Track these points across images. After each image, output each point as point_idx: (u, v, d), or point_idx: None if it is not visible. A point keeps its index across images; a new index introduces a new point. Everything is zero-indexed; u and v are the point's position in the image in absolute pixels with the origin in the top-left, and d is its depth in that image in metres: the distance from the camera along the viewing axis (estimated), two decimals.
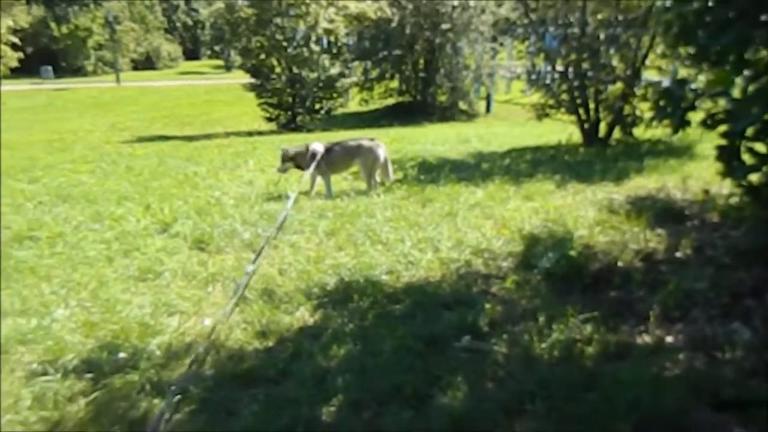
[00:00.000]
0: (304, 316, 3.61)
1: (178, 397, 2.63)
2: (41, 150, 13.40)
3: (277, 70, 19.41)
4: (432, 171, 7.77)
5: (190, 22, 62.91)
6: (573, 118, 9.81)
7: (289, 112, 19.44)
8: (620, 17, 9.02)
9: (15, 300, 3.89)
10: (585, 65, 9.49)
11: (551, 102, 10.40)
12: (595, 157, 8.24)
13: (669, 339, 3.12)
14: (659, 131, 7.22)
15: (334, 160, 6.88)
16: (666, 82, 3.35)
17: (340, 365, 3.01)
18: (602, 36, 9.27)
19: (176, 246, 4.92)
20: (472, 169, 7.87)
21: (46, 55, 45.07)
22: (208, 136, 15.79)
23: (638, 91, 9.02)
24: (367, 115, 21.37)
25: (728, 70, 3.07)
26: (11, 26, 16.31)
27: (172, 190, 7.29)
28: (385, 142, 7.36)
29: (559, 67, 9.96)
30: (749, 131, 3.16)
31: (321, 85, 19.34)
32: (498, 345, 3.12)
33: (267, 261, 4.38)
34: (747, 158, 3.28)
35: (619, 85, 9.29)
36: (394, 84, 22.12)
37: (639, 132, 9.24)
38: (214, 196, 6.75)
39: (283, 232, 5.02)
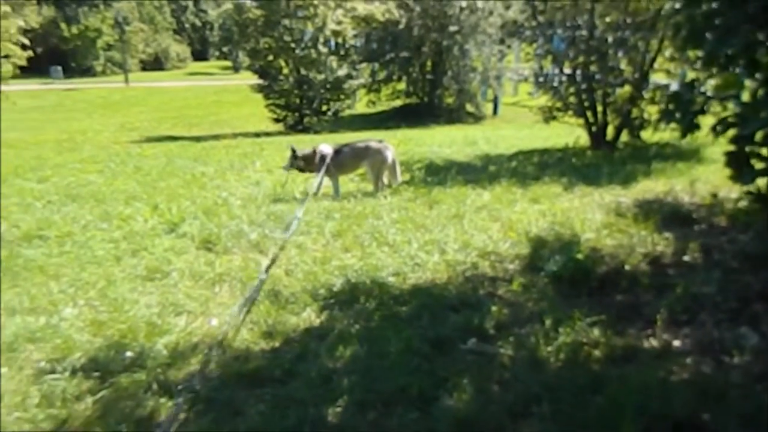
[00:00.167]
0: (310, 316, 3.61)
1: (187, 396, 2.64)
2: (50, 150, 13.48)
3: (285, 71, 19.48)
4: (439, 173, 7.77)
5: (198, 23, 63.20)
6: (580, 120, 9.79)
7: (297, 114, 19.50)
8: (629, 20, 9.00)
9: (24, 298, 3.91)
10: (593, 68, 9.47)
11: (559, 105, 10.38)
12: (603, 160, 8.22)
13: (676, 343, 3.10)
14: (667, 134, 7.20)
15: (342, 161, 6.90)
16: (674, 86, 3.34)
17: (346, 366, 3.02)
18: (610, 39, 9.25)
19: (184, 246, 4.93)
20: (479, 172, 7.87)
21: (55, 55, 45.40)
22: (215, 137, 15.84)
23: (646, 95, 9.01)
24: (374, 117, 21.39)
25: (738, 73, 3.06)
26: (22, 26, 16.37)
27: (180, 191, 7.31)
28: (392, 143, 7.37)
29: (567, 70, 9.95)
30: (758, 135, 3.15)
31: (328, 86, 19.39)
32: (504, 347, 3.12)
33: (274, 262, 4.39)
34: (755, 163, 3.27)
35: (627, 88, 9.27)
36: (402, 86, 22.13)
37: (647, 135, 9.22)
38: (221, 196, 6.77)
39: (291, 235, 5.03)
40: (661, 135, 8.53)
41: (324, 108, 19.74)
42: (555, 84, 10.45)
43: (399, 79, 22.02)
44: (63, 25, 48.25)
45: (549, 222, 5.08)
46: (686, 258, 4.14)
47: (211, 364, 3.06)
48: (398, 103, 22.24)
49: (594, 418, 2.48)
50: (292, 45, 18.85)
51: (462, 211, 5.59)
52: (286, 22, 18.78)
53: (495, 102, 21.75)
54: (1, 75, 16.28)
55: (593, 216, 5.19)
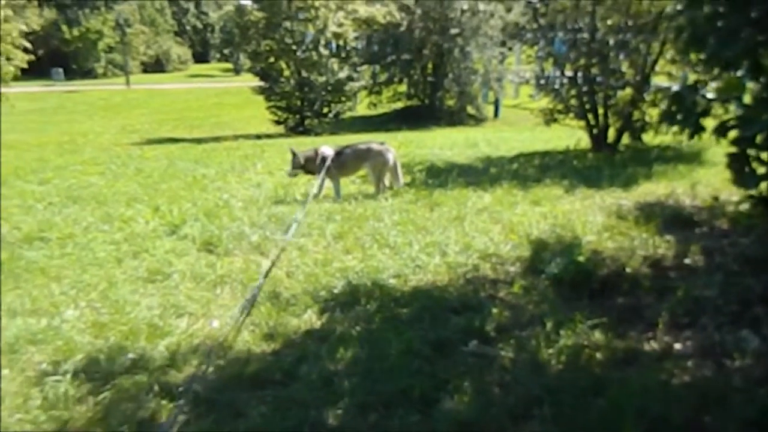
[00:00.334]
0: (311, 318, 3.61)
1: (188, 398, 2.64)
2: (52, 151, 13.49)
3: (286, 73, 19.50)
4: (440, 175, 7.77)
5: (199, 26, 63.23)
6: (582, 123, 9.79)
7: (298, 116, 19.52)
8: (630, 23, 9.00)
9: (25, 300, 3.91)
10: (594, 70, 9.47)
11: (560, 107, 10.38)
12: (604, 163, 8.22)
13: (677, 346, 3.10)
14: (668, 137, 7.20)
15: (343, 163, 6.90)
16: (676, 88, 3.34)
17: (347, 368, 3.02)
18: (612, 41, 9.25)
19: (185, 248, 4.93)
20: (480, 174, 7.87)
21: (57, 58, 45.42)
22: (216, 139, 15.84)
23: (647, 97, 9.01)
24: (375, 119, 21.42)
25: (740, 76, 3.06)
26: (23, 30, 16.39)
27: (181, 192, 7.32)
28: (394, 146, 7.37)
29: (568, 72, 9.95)
30: (758, 138, 3.15)
31: (329, 88, 19.41)
32: (505, 350, 3.12)
33: (275, 264, 4.39)
34: (757, 167, 3.27)
35: (628, 90, 9.28)
36: (403, 88, 22.17)
37: (648, 138, 9.22)
38: (222, 198, 6.77)
39: (292, 236, 5.03)
40: (662, 138, 8.54)
41: (325, 110, 19.76)
42: (556, 86, 10.45)
43: (400, 82, 22.06)
44: (64, 27, 48.29)
45: (550, 224, 5.08)
46: (687, 261, 4.13)
47: (213, 366, 3.06)
48: (399, 105, 22.27)
49: (595, 421, 2.48)
50: (293, 47, 18.87)
51: (463, 213, 5.59)
52: (287, 24, 18.81)
53: (496, 104, 21.77)
54: (1, 77, 16.31)
55: (594, 218, 5.19)
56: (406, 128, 17.21)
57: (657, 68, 8.99)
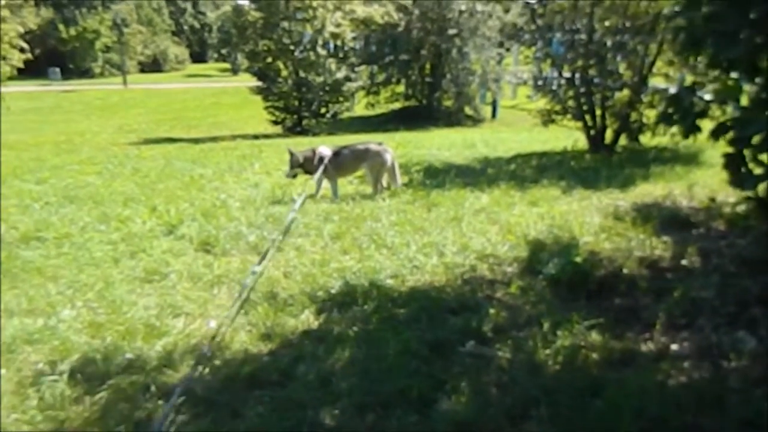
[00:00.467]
0: (308, 319, 3.61)
1: (183, 398, 2.64)
2: (49, 151, 13.47)
3: (284, 73, 19.50)
4: (437, 176, 7.78)
5: (197, 25, 63.19)
6: (579, 124, 9.81)
7: (296, 116, 19.52)
8: (628, 24, 9.02)
9: (22, 300, 3.90)
10: (592, 71, 9.49)
11: (557, 108, 10.40)
12: (601, 164, 8.23)
13: (674, 347, 3.11)
14: (665, 138, 7.22)
15: (341, 163, 6.90)
16: (673, 89, 3.34)
17: (345, 368, 3.02)
18: (609, 42, 9.27)
19: (182, 248, 4.93)
20: (477, 174, 7.88)
21: (53, 57, 45.37)
22: (214, 139, 15.84)
23: (645, 98, 9.03)
24: (373, 120, 21.42)
25: (737, 78, 3.06)
26: (21, 31, 16.38)
27: (178, 192, 7.31)
28: (391, 146, 7.37)
29: (566, 73, 9.96)
30: (755, 139, 3.15)
31: (327, 88, 19.41)
32: (502, 350, 3.12)
33: (272, 264, 4.39)
34: (754, 168, 3.28)
35: (625, 91, 9.30)
36: (401, 88, 22.18)
37: (645, 139, 9.24)
38: (220, 198, 6.77)
39: (289, 235, 5.03)
40: (659, 139, 8.56)
41: (323, 110, 19.76)
42: (554, 87, 10.47)
43: (398, 82, 22.08)
44: (61, 27, 48.22)
45: (547, 225, 5.09)
46: (684, 262, 4.14)
47: (210, 366, 3.05)
48: (397, 105, 22.28)
49: (592, 422, 2.49)
50: (291, 47, 18.87)
51: (460, 213, 5.60)
52: (285, 24, 18.81)
53: (494, 105, 21.80)
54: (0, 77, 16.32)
55: (592, 219, 5.20)
56: (404, 129, 17.23)
57: (654, 70, 9.02)
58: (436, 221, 5.42)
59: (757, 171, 3.22)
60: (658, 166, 7.62)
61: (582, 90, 9.57)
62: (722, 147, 3.34)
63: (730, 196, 5.12)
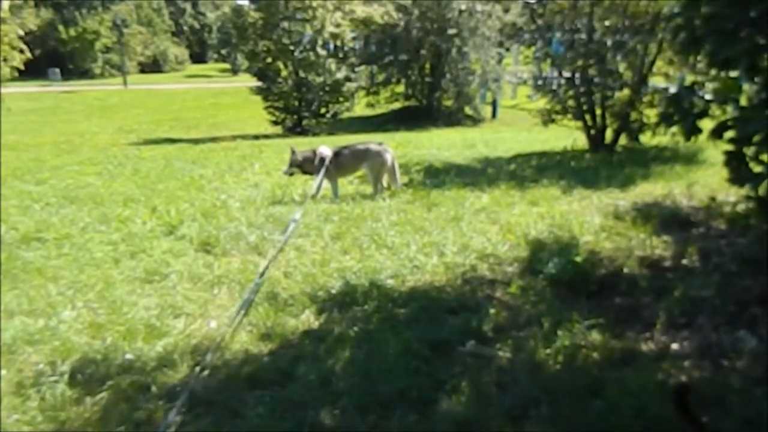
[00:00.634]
0: (309, 319, 3.61)
1: (185, 399, 2.63)
2: (49, 152, 13.47)
3: (284, 73, 19.51)
4: (438, 175, 7.78)
5: (197, 26, 63.19)
6: (579, 123, 9.81)
7: (295, 116, 19.52)
8: (627, 23, 9.02)
9: (22, 300, 3.90)
10: (592, 71, 9.49)
11: (557, 108, 10.40)
12: (601, 163, 8.23)
13: (675, 346, 3.11)
14: (665, 138, 7.22)
15: (342, 163, 6.90)
16: (673, 89, 3.34)
17: (345, 368, 3.02)
18: (609, 42, 9.27)
19: (182, 248, 4.93)
20: (477, 174, 7.88)
21: (53, 58, 45.38)
22: (214, 139, 15.84)
23: (645, 98, 9.03)
24: (373, 120, 21.42)
25: (736, 77, 3.06)
26: (21, 34, 16.38)
27: (179, 193, 7.31)
28: (391, 146, 7.37)
29: (566, 73, 9.96)
30: (756, 138, 3.15)
31: (327, 89, 19.42)
32: (503, 350, 3.12)
33: (272, 264, 4.39)
34: (754, 166, 3.28)
35: (625, 91, 9.30)
36: (400, 88, 22.18)
37: (645, 138, 9.24)
38: (220, 198, 6.77)
39: (290, 236, 5.03)
40: (659, 138, 8.54)
41: (323, 110, 19.77)
42: (554, 87, 10.46)
43: (398, 82, 22.07)
44: (61, 28, 48.23)
45: (547, 225, 5.09)
46: (685, 261, 4.14)
47: (210, 367, 3.05)
48: (397, 105, 22.27)
49: (593, 421, 2.49)
50: (291, 47, 18.88)
51: (460, 213, 5.60)
52: (285, 24, 18.81)
53: (494, 105, 21.80)
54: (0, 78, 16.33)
55: (592, 219, 5.20)
56: (404, 129, 17.23)
57: (654, 69, 9.02)
58: (436, 221, 5.42)
59: (758, 169, 3.22)
60: (658, 166, 7.62)
61: (582, 90, 9.57)
62: (722, 146, 3.35)
63: (730, 195, 5.12)
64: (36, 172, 9.55)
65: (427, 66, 21.44)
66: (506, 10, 18.09)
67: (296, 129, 19.10)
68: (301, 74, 19.18)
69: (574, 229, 4.88)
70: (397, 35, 20.89)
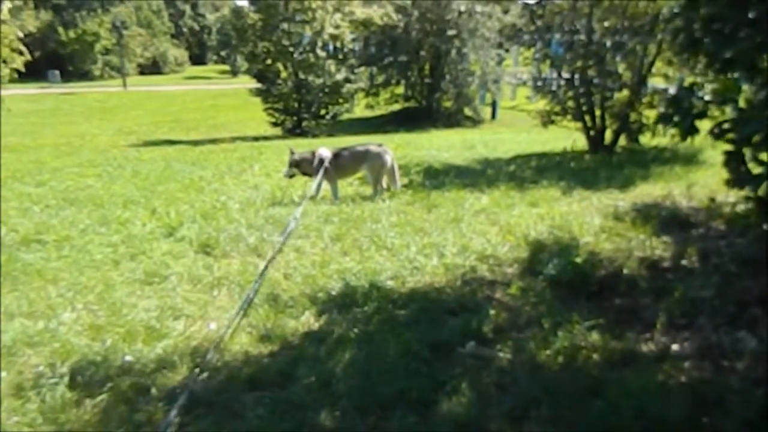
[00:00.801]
0: (309, 320, 3.61)
1: (184, 400, 2.63)
2: (48, 154, 13.48)
3: (283, 75, 19.52)
4: (437, 177, 7.78)
5: (196, 27, 63.24)
6: (579, 125, 9.82)
7: (295, 117, 19.53)
8: (627, 24, 9.03)
9: (22, 302, 3.90)
10: (591, 72, 9.50)
11: (557, 109, 10.41)
12: (601, 164, 8.24)
13: (675, 347, 3.11)
14: (665, 139, 7.23)
15: (342, 165, 6.90)
16: (673, 90, 3.34)
17: (345, 370, 3.01)
18: (609, 43, 9.28)
19: (182, 250, 4.93)
20: (477, 175, 7.88)
21: (53, 60, 45.41)
22: (213, 141, 15.85)
23: (644, 99, 9.03)
24: (372, 121, 21.43)
25: (736, 78, 3.07)
26: (21, 35, 16.37)
27: (178, 194, 7.31)
28: (391, 147, 7.38)
29: (565, 74, 9.97)
30: (755, 139, 3.15)
31: (327, 90, 19.43)
32: (503, 351, 3.12)
33: (272, 265, 4.39)
34: (753, 167, 3.28)
35: (625, 92, 9.30)
36: (400, 90, 22.20)
37: (645, 139, 9.25)
38: (219, 200, 6.77)
39: (289, 237, 5.03)
40: (659, 139, 8.56)
41: (322, 112, 19.78)
42: (553, 88, 10.48)
43: (397, 83, 22.10)
44: (61, 30, 48.25)
45: (547, 226, 5.09)
46: (684, 262, 4.14)
47: (210, 368, 3.05)
48: (396, 107, 22.29)
49: (593, 422, 2.49)
50: (291, 49, 18.89)
51: (460, 214, 5.60)
52: (285, 26, 18.82)
53: (493, 106, 21.81)
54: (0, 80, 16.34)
55: (591, 220, 5.20)
56: (404, 130, 17.24)
57: (654, 70, 9.03)
58: (436, 222, 5.42)
59: (757, 170, 3.22)
60: (658, 167, 7.63)
61: (581, 91, 9.58)
62: (722, 147, 3.35)
63: (729, 196, 5.11)
64: (36, 173, 9.55)
65: (427, 67, 21.46)
66: (506, 12, 18.15)
67: (296, 130, 19.11)
68: (301, 76, 19.19)
69: (573, 230, 4.88)
70: (397, 36, 20.91)
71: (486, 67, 20.79)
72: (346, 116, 21.22)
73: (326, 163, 6.70)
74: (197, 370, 2.99)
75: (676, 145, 8.22)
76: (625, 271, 4.02)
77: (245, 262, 4.62)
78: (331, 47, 19.89)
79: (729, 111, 3.17)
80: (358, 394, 2.75)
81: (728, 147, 3.29)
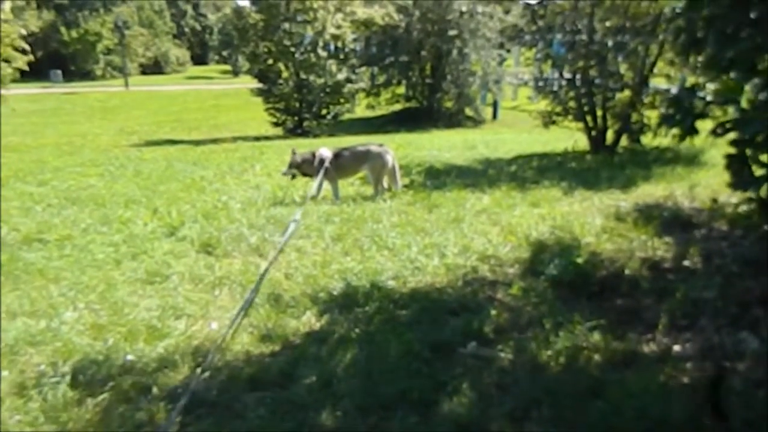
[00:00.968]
0: (310, 320, 3.61)
1: (186, 400, 2.63)
2: (50, 153, 13.50)
3: (285, 75, 19.53)
4: (438, 177, 7.78)
5: (198, 28, 63.29)
6: (580, 125, 9.81)
7: (296, 117, 19.54)
8: (628, 24, 9.02)
9: (24, 302, 3.91)
10: (593, 72, 9.50)
11: (558, 109, 10.41)
12: (602, 165, 8.23)
13: (676, 348, 3.10)
14: (667, 139, 7.22)
15: (342, 165, 6.90)
16: (674, 90, 3.34)
17: (346, 370, 3.01)
18: (610, 43, 9.28)
19: (183, 249, 4.93)
20: (478, 176, 7.88)
21: (55, 59, 45.45)
22: (215, 141, 15.86)
23: (646, 99, 9.03)
24: (373, 121, 21.43)
25: (737, 78, 3.06)
26: (23, 34, 16.39)
27: (180, 194, 7.32)
28: (392, 147, 7.38)
29: (567, 74, 9.97)
30: (758, 138, 3.15)
31: (328, 90, 19.44)
32: (504, 351, 3.11)
33: (274, 265, 4.39)
34: (756, 169, 3.27)
35: (626, 92, 9.30)
36: (401, 90, 22.20)
37: (647, 140, 9.24)
38: (221, 200, 6.77)
39: (290, 238, 5.03)
40: (660, 139, 8.54)
41: (323, 112, 19.79)
42: (554, 88, 10.48)
43: (398, 83, 22.10)
44: (63, 29, 48.31)
45: (549, 226, 5.09)
46: (686, 263, 4.14)
47: (211, 368, 3.05)
48: (398, 107, 22.29)
49: (594, 423, 2.48)
50: (292, 49, 18.90)
51: (461, 214, 5.59)
52: (286, 26, 18.83)
53: (494, 106, 21.81)
54: (1, 79, 16.33)
55: (593, 220, 5.19)
56: (405, 130, 17.24)
57: (655, 70, 9.02)
58: (437, 222, 5.42)
59: (759, 172, 3.21)
60: (660, 167, 7.62)
61: (583, 91, 9.58)
62: (724, 147, 3.34)
63: (732, 197, 5.10)
64: (38, 173, 9.57)
65: (428, 67, 21.46)
66: (507, 12, 18.15)
67: (297, 130, 19.12)
68: (302, 76, 19.20)
69: (575, 231, 4.88)
70: (398, 37, 20.91)
71: (487, 68, 20.78)
72: (347, 116, 21.22)
73: (327, 163, 6.70)
74: (198, 369, 2.99)
75: (678, 145, 8.20)
76: (626, 271, 4.01)
77: (247, 261, 4.63)
78: (332, 47, 19.89)
79: (731, 111, 3.16)
80: (359, 394, 2.75)
81: (730, 149, 3.29)
